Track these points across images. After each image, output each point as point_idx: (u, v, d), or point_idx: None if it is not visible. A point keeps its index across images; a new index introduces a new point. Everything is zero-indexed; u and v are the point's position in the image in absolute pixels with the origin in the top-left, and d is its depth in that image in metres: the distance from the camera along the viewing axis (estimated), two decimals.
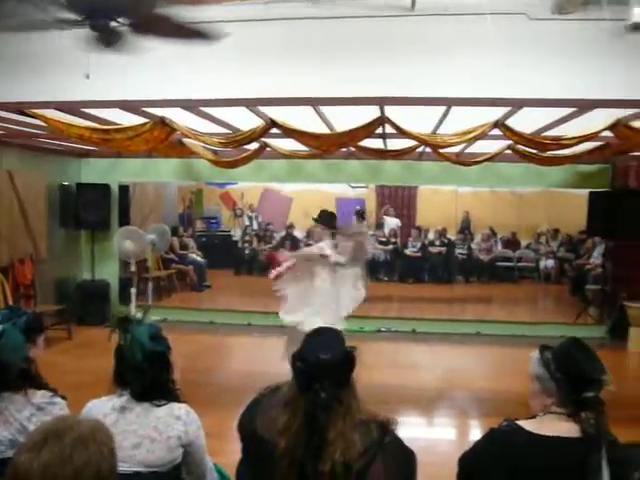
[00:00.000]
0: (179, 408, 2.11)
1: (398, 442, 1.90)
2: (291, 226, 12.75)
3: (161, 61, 6.14)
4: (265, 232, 12.76)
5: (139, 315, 2.27)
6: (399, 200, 13.47)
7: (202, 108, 4.80)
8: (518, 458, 1.86)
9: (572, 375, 1.92)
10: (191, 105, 4.56)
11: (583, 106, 4.35)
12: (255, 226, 13.27)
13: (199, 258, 10.79)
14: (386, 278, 12.05)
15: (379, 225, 12.94)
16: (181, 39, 3.40)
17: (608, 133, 4.58)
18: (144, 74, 6.51)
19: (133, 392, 2.07)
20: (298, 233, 12.76)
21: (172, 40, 3.40)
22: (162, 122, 4.60)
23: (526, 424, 1.95)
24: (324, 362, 1.79)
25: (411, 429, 4.79)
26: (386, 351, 6.89)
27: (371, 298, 10.39)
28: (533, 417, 2.03)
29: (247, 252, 12.50)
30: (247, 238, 12.67)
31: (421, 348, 7.10)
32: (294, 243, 12.41)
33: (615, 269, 7.73)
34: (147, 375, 2.05)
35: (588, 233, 9.07)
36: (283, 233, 12.71)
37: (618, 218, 6.96)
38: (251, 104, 4.42)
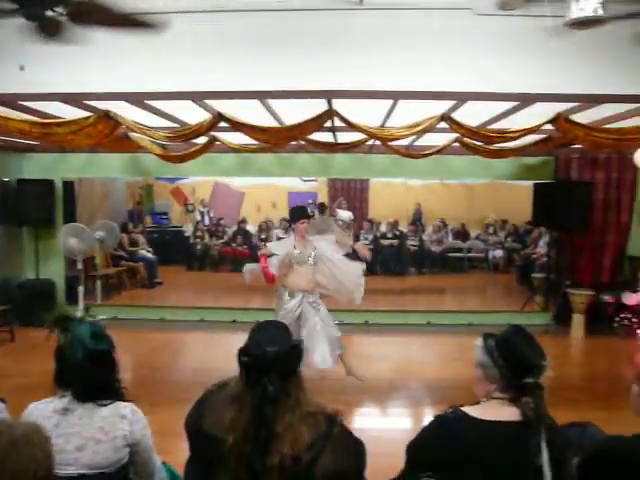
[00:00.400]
0: (125, 407, 2.07)
1: (346, 433, 1.92)
2: (243, 221, 12.67)
3: (105, 53, 5.96)
4: (217, 227, 12.63)
5: (81, 314, 2.22)
6: (351, 193, 13.54)
7: (148, 101, 4.70)
8: (462, 443, 1.91)
9: (513, 362, 1.98)
10: (135, 98, 4.45)
11: (525, 100, 4.46)
12: (207, 221, 13.11)
13: (149, 254, 10.60)
14: None
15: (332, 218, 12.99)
16: (121, 29, 3.30)
17: (550, 127, 4.72)
18: (87, 66, 6.29)
19: (75, 393, 2.02)
20: (250, 227, 12.69)
21: (112, 30, 3.30)
22: (106, 116, 4.48)
23: (470, 410, 2.00)
24: (271, 355, 1.79)
25: (364, 419, 4.87)
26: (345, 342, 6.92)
27: None
28: (477, 403, 2.08)
29: (199, 247, 12.35)
30: (199, 233, 12.51)
31: (373, 339, 7.18)
32: (246, 238, 12.35)
33: (559, 258, 7.99)
34: (89, 375, 2.01)
35: (533, 223, 9.34)
36: (235, 228, 12.60)
37: (561, 208, 7.20)
38: (197, 97, 4.36)
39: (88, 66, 6.34)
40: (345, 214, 12.80)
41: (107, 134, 4.59)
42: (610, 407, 4.11)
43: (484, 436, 1.89)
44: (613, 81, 5.40)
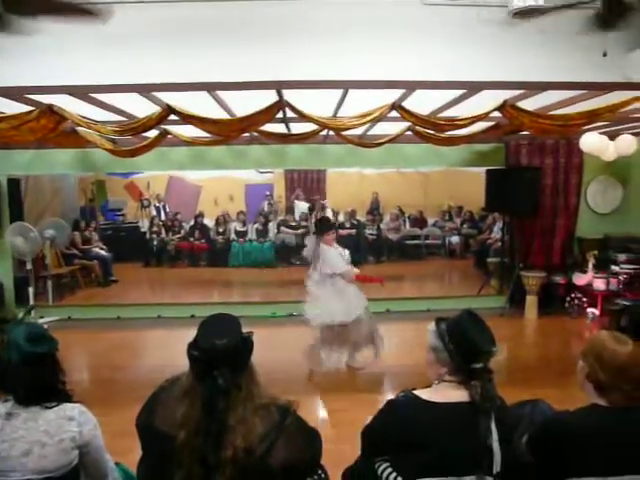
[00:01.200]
0: (72, 408, 2.03)
1: (300, 423, 1.93)
2: (200, 215, 12.53)
3: (48, 45, 5.81)
4: (173, 222, 12.46)
5: (21, 315, 2.16)
6: (308, 184, 13.55)
7: (94, 95, 4.58)
8: (413, 425, 1.94)
9: (462, 347, 2.02)
10: (79, 91, 4.33)
11: (472, 88, 4.53)
12: (163, 216, 12.91)
13: (104, 252, 10.35)
14: (297, 262, 12.10)
15: (289, 210, 12.97)
16: (62, 18, 3.18)
17: (498, 114, 4.81)
18: (28, 59, 6.14)
19: (17, 396, 1.96)
20: (208, 221, 12.56)
21: (52, 19, 3.18)
22: (50, 110, 4.35)
23: (422, 393, 2.04)
24: (220, 348, 1.78)
25: (323, 408, 4.90)
26: (298, 334, 6.94)
27: (283, 282, 10.48)
28: (429, 386, 2.12)
29: (156, 243, 12.16)
30: (155, 229, 12.30)
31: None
32: (204, 232, 12.22)
33: (512, 242, 8.18)
34: (28, 378, 1.95)
35: (486, 209, 9.51)
36: (192, 222, 12.46)
37: (512, 194, 7.36)
38: (143, 90, 4.27)
39: (30, 59, 6.16)
40: (303, 205, 12.83)
41: (51, 129, 4.46)
42: (562, 384, 4.23)
43: (434, 418, 1.93)
44: (557, 68, 5.56)
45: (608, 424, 1.93)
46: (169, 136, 5.77)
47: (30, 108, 4.43)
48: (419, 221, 13.16)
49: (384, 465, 2.03)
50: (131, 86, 4.27)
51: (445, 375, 2.06)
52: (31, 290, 6.98)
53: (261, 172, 12.82)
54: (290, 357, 5.97)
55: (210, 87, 4.42)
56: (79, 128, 5.35)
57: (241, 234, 12.12)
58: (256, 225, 12.27)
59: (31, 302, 6.93)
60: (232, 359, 1.80)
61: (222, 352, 1.78)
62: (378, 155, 7.28)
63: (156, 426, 1.85)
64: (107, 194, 13.43)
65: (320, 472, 2.08)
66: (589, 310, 7.33)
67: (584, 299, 7.49)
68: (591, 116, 4.59)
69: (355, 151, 7.08)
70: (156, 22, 6.46)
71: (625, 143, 6.50)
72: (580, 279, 7.59)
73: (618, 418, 1.94)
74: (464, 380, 1.99)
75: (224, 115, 5.08)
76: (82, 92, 4.37)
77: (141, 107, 4.76)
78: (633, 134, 6.54)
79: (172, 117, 4.62)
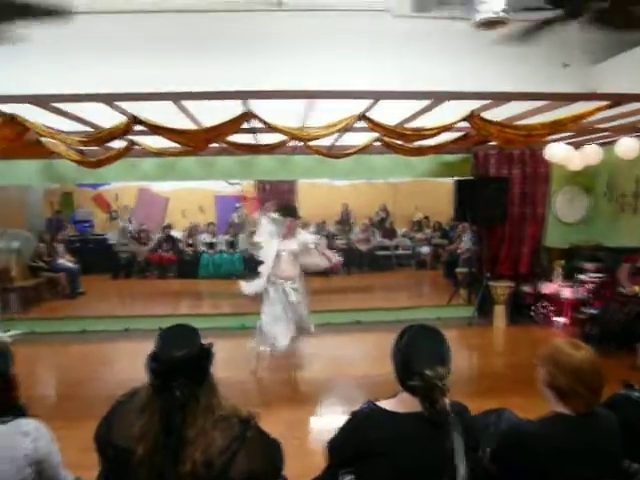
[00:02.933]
0: (27, 424, 1.96)
1: (261, 435, 1.90)
2: (168, 226, 12.40)
3: (10, 53, 5.71)
4: (140, 234, 12.29)
5: None
6: (279, 195, 13.49)
7: (58, 105, 4.50)
8: (375, 435, 1.92)
9: (397, 362, 2.00)
10: (41, 101, 4.24)
11: (438, 98, 4.58)
12: (131, 228, 12.75)
13: (70, 264, 10.16)
14: None
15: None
16: (23, 18, 3.11)
17: (466, 124, 4.87)
18: None
19: None
20: (176, 233, 12.44)
21: (13, 20, 3.10)
22: (12, 119, 4.26)
23: (385, 403, 2.02)
24: (178, 359, 1.75)
25: (291, 420, 4.85)
26: None
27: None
28: (394, 396, 2.10)
29: (124, 255, 11.99)
30: (124, 241, 12.14)
31: (302, 339, 7.16)
32: (172, 243, 12.09)
33: (480, 252, 8.26)
34: None
35: (455, 219, 9.60)
36: (160, 234, 12.31)
37: (480, 204, 7.44)
38: (107, 99, 4.21)
39: None
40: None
41: (13, 139, 4.37)
42: (528, 393, 4.24)
43: (396, 428, 1.91)
44: (522, 79, 5.66)
45: (567, 433, 1.94)
46: (137, 147, 5.70)
47: None
48: (389, 232, 13.23)
49: (348, 477, 2.01)
50: (95, 96, 4.21)
51: None
52: None
53: (231, 183, 12.76)
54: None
55: (176, 97, 4.39)
56: (43, 139, 5.25)
57: (211, 245, 12.03)
58: (226, 237, 12.19)
59: None
60: (191, 370, 1.76)
61: (180, 363, 1.74)
62: (347, 166, 7.32)
63: (114, 440, 1.81)
64: (74, 206, 13.22)
65: None
66: (556, 319, 7.43)
67: (552, 308, 7.59)
68: (555, 126, 4.67)
69: (324, 162, 7.08)
70: (123, 31, 6.40)
71: (591, 153, 6.63)
72: (547, 288, 7.69)
73: (577, 426, 1.95)
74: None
75: (191, 126, 5.04)
76: (45, 101, 4.28)
77: (108, 118, 4.69)
78: (599, 144, 6.68)
79: (140, 128, 4.57)
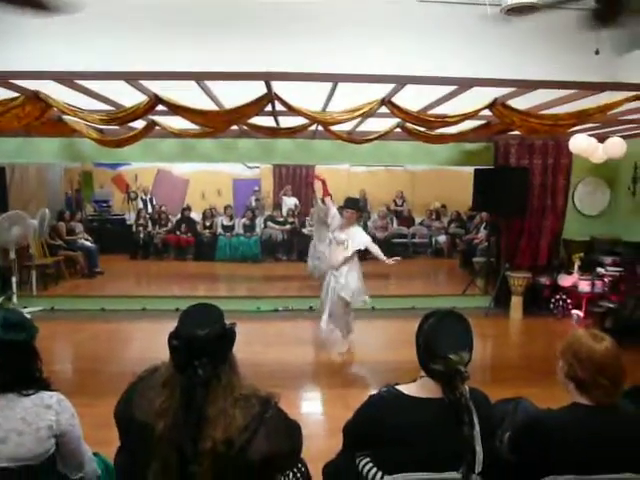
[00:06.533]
0: (50, 397, 1.99)
1: (280, 415, 1.91)
2: (187, 208, 12.45)
3: (33, 31, 5.74)
4: (159, 215, 12.36)
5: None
6: (296, 179, 13.51)
7: (80, 82, 4.51)
8: (394, 419, 1.92)
9: (420, 345, 1.99)
10: (64, 77, 4.23)
11: (463, 84, 4.51)
12: (150, 209, 12.82)
13: (89, 243, 10.26)
14: (284, 257, 12.11)
15: (277, 205, 12.94)
16: (32, 9, 3.07)
17: (488, 113, 4.80)
18: (12, 45, 6.05)
19: None
20: (195, 215, 12.49)
21: (23, 10, 3.07)
22: (35, 97, 4.28)
23: (404, 388, 2.02)
24: (200, 338, 1.75)
25: (306, 402, 4.89)
26: (285, 329, 6.93)
27: (270, 277, 10.45)
28: (414, 381, 2.09)
29: (142, 236, 12.07)
30: (142, 222, 12.22)
31: (318, 325, 7.19)
32: (190, 225, 12.15)
33: (498, 242, 8.19)
34: (4, 366, 1.91)
35: (473, 209, 9.52)
36: (179, 216, 12.38)
37: (500, 194, 7.37)
38: (130, 77, 4.21)
39: (15, 45, 6.07)
40: (290, 201, 12.80)
41: (37, 116, 4.39)
42: (545, 384, 4.22)
43: (416, 413, 1.91)
44: (548, 67, 5.56)
45: (587, 423, 1.92)
46: (157, 128, 5.70)
47: (15, 94, 4.36)
48: (406, 220, 13.17)
49: (365, 460, 2.01)
50: (118, 73, 4.20)
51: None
52: (14, 280, 6.89)
53: (249, 167, 12.77)
54: (273, 351, 5.97)
55: (199, 77, 4.37)
56: (65, 116, 5.28)
57: (228, 228, 12.07)
58: (243, 220, 12.22)
59: (14, 292, 6.84)
60: (213, 349, 1.77)
61: (203, 342, 1.75)
62: (367, 152, 7.27)
63: (134, 416, 1.82)
64: (94, 185, 13.32)
65: (300, 465, 2.06)
66: (574, 311, 7.36)
67: (569, 300, 7.53)
68: (581, 116, 4.59)
69: (344, 147, 7.06)
70: (146, 10, 6.38)
71: (615, 146, 6.50)
72: (565, 280, 7.62)
73: (597, 417, 1.94)
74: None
75: (212, 107, 5.03)
76: (68, 78, 4.28)
77: (129, 97, 4.70)
78: (622, 137, 6.56)
79: (160, 108, 4.56)
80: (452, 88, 4.70)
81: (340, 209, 6.04)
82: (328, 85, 4.75)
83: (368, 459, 2.01)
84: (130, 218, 12.80)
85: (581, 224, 8.03)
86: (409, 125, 5.54)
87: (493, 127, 5.93)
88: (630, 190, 7.69)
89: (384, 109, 4.74)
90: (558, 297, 7.63)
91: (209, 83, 4.67)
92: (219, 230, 12.08)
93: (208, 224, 12.19)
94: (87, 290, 8.88)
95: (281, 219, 12.40)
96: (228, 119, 4.75)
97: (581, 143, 6.44)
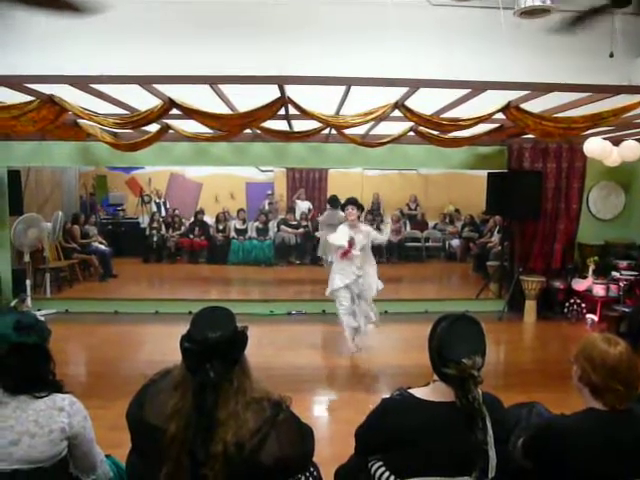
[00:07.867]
0: (63, 399, 2.00)
1: (293, 419, 1.90)
2: (200, 212, 12.51)
3: (49, 35, 5.79)
4: (173, 218, 12.43)
5: (13, 304, 2.13)
6: (310, 183, 13.52)
7: (95, 86, 4.55)
8: (407, 423, 1.91)
9: (433, 349, 1.97)
10: (79, 82, 4.28)
11: (476, 88, 4.50)
12: (163, 212, 12.90)
13: (103, 246, 10.33)
14: (297, 261, 12.11)
15: (290, 209, 12.96)
16: (54, 11, 3.11)
17: (502, 116, 4.78)
18: (28, 49, 6.12)
19: (4, 386, 1.93)
20: (208, 219, 12.54)
21: (44, 11, 3.11)
22: (51, 100, 4.33)
23: (417, 391, 2.01)
24: (212, 341, 1.75)
25: (318, 406, 4.88)
26: (298, 333, 6.93)
27: (283, 281, 10.46)
28: (427, 385, 2.08)
29: (155, 239, 12.13)
30: (155, 225, 12.28)
31: (331, 329, 7.17)
32: (204, 229, 12.20)
33: (512, 246, 8.14)
34: (16, 368, 1.92)
35: (487, 212, 9.47)
36: (192, 219, 12.44)
37: (513, 197, 7.33)
38: (145, 81, 4.24)
39: (31, 49, 6.14)
40: (304, 204, 12.81)
41: (52, 120, 4.44)
42: (559, 389, 4.19)
43: (429, 417, 1.90)
44: (562, 70, 5.52)
45: (601, 428, 1.90)
46: (170, 131, 5.75)
47: (31, 98, 4.41)
48: (420, 223, 13.13)
49: (377, 464, 2.00)
50: (133, 77, 4.23)
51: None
52: (28, 282, 6.95)
53: (262, 170, 12.80)
54: (285, 354, 5.98)
55: (213, 80, 4.40)
56: (80, 120, 5.34)
57: (241, 232, 12.10)
58: (256, 223, 12.25)
59: (28, 295, 6.90)
60: (225, 352, 1.77)
61: (215, 345, 1.75)
62: (380, 155, 7.27)
63: (146, 419, 1.83)
64: (108, 189, 13.42)
65: (312, 469, 2.05)
66: (588, 316, 7.29)
67: (583, 305, 7.46)
68: (595, 119, 4.56)
69: (357, 151, 7.07)
70: (160, 15, 6.43)
71: (629, 149, 6.44)
72: (579, 285, 7.56)
73: (612, 422, 1.91)
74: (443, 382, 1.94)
75: (226, 110, 5.05)
76: (83, 82, 4.33)
77: (143, 101, 4.73)
78: (638, 140, 6.50)
79: (174, 112, 4.60)
80: (465, 91, 4.69)
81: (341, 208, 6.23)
82: (341, 89, 4.76)
83: (380, 463, 2.00)
84: (144, 221, 12.86)
85: (595, 228, 7.96)
86: (422, 128, 5.53)
87: (507, 130, 5.91)
88: None
89: (397, 112, 4.74)
90: (572, 301, 7.56)
91: (223, 87, 4.70)
92: (232, 233, 12.11)
93: (221, 227, 12.23)
94: (101, 293, 8.94)
95: (294, 223, 12.41)
96: (241, 123, 4.77)
97: (595, 146, 6.38)
